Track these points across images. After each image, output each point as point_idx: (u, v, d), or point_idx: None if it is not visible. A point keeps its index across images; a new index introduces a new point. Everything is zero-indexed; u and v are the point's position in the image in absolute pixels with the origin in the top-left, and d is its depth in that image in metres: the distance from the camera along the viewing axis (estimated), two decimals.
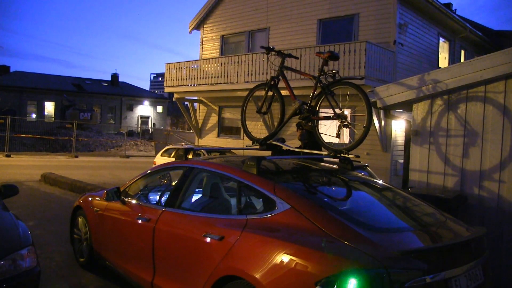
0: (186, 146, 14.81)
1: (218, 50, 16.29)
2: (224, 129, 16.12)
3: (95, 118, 38.51)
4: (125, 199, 4.32)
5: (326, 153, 4.08)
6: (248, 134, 4.85)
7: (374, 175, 6.13)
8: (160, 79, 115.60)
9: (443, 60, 14.86)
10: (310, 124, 4.19)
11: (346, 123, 3.95)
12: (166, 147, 14.75)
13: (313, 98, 4.22)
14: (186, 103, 17.20)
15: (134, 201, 4.23)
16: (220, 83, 13.97)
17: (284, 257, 2.55)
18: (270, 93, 4.64)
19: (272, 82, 4.57)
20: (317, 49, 11.45)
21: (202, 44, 16.90)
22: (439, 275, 2.46)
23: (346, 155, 3.93)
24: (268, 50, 4.60)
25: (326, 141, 4.22)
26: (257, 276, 2.61)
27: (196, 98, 16.52)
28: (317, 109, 4.23)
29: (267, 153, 4.65)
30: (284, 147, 4.63)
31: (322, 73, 4.18)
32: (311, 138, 4.18)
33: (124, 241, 4.19)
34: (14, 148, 22.99)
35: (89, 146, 28.49)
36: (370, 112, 3.82)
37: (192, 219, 3.46)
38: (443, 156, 4.92)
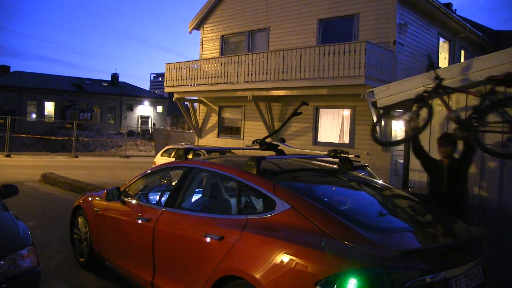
0: (186, 146, 14.80)
1: (218, 50, 16.29)
2: (224, 129, 16.13)
3: (95, 118, 38.45)
4: (125, 199, 4.32)
5: (326, 153, 4.09)
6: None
7: (374, 175, 6.12)
8: (160, 79, 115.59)
9: (443, 60, 14.86)
10: (466, 135, 4.14)
11: None
12: (166, 147, 14.73)
13: (478, 111, 4.17)
14: (186, 103, 17.20)
15: (134, 201, 4.23)
16: (220, 83, 13.97)
17: (284, 257, 2.55)
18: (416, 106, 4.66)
19: (426, 95, 4.58)
20: (317, 49, 11.45)
21: (202, 44, 16.90)
22: (439, 275, 2.46)
23: (346, 155, 3.94)
24: (431, 67, 4.60)
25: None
26: (257, 276, 2.61)
27: (196, 98, 16.53)
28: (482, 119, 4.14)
29: (267, 153, 4.65)
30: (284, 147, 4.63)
31: (491, 93, 4.17)
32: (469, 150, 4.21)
33: (124, 241, 4.19)
34: (14, 148, 22.97)
35: (89, 146, 28.46)
36: None
37: (192, 219, 3.46)
38: None
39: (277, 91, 12.60)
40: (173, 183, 4.17)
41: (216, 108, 16.15)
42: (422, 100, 4.55)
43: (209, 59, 14.75)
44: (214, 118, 16.30)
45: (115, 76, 46.73)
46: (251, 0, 15.09)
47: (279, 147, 4.62)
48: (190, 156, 4.53)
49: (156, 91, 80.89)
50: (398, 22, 11.81)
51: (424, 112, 4.56)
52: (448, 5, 17.42)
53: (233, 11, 15.75)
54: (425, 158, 4.60)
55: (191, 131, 22.57)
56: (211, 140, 16.27)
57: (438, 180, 4.38)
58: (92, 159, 21.57)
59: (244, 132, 15.15)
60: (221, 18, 16.20)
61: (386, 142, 5.05)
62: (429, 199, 4.30)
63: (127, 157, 24.33)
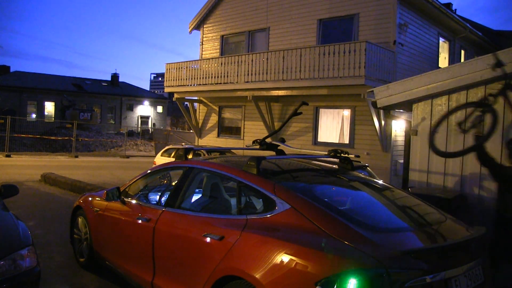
0: (186, 146, 14.79)
1: (218, 50, 16.29)
2: (224, 129, 16.13)
3: (95, 118, 38.44)
4: (125, 199, 4.32)
5: (326, 153, 4.09)
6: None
7: (374, 175, 6.12)
8: (160, 79, 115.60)
9: (443, 60, 14.86)
10: None
11: None
12: (166, 147, 14.73)
13: None
14: (186, 103, 17.20)
15: (134, 201, 4.23)
16: (220, 83, 13.98)
17: (284, 257, 2.55)
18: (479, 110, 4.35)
19: (492, 99, 4.24)
20: (317, 49, 11.45)
21: (202, 44, 16.90)
22: (439, 275, 2.46)
23: (346, 155, 3.94)
24: (497, 64, 4.26)
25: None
26: (257, 276, 2.61)
27: (196, 98, 16.53)
28: None
29: (267, 153, 4.65)
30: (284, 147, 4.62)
31: None
32: None
33: (124, 241, 4.19)
34: (14, 148, 22.95)
35: (89, 146, 28.45)
36: None
37: (192, 219, 3.46)
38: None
39: (277, 91, 12.60)
40: (173, 183, 4.17)
41: (216, 108, 16.15)
42: (486, 104, 4.20)
43: (209, 59, 14.75)
44: (214, 118, 16.30)
45: (115, 76, 46.75)
46: (251, 0, 15.10)
47: (279, 147, 4.62)
48: (190, 156, 4.53)
49: (156, 91, 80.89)
50: (398, 22, 11.81)
51: (488, 118, 4.20)
52: (448, 5, 17.42)
53: (233, 11, 15.76)
54: (492, 165, 4.16)
55: (191, 131, 22.57)
56: (211, 140, 16.27)
57: (508, 189, 3.98)
58: (92, 159, 21.57)
59: (244, 132, 15.16)
60: (221, 18, 16.20)
61: (450, 153, 4.66)
62: (458, 204, 4.13)
63: (127, 157, 24.33)
